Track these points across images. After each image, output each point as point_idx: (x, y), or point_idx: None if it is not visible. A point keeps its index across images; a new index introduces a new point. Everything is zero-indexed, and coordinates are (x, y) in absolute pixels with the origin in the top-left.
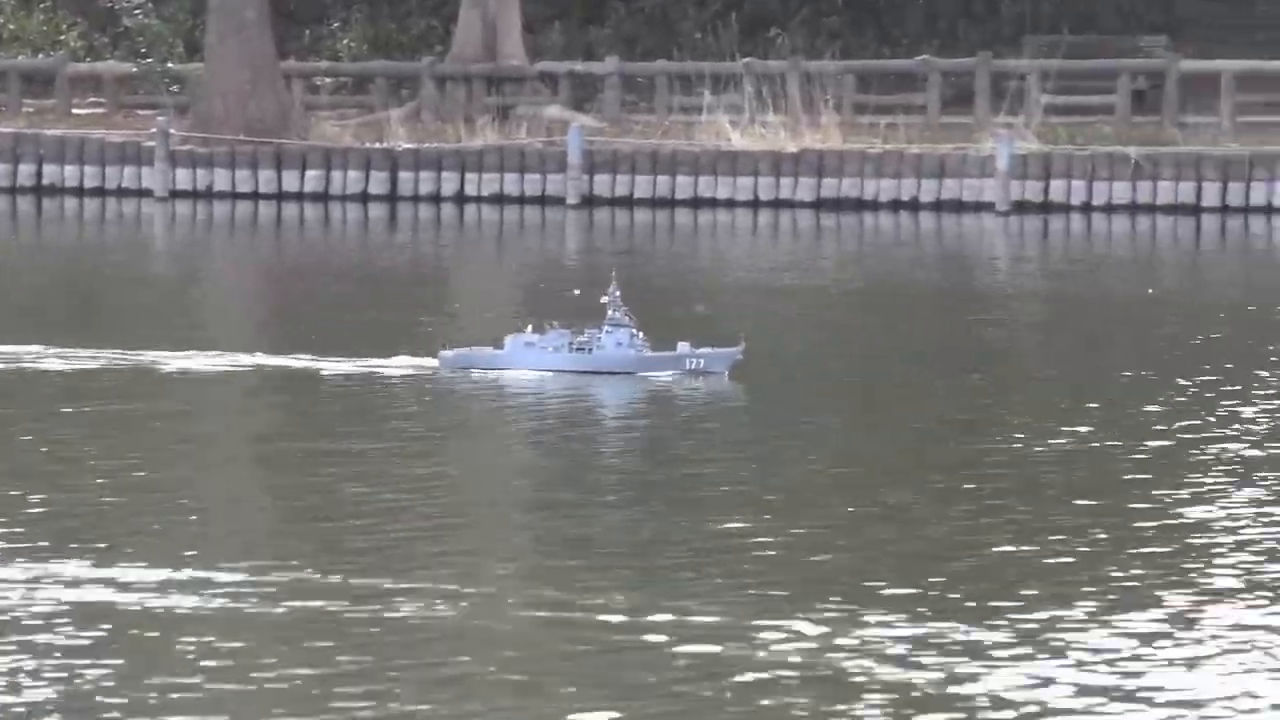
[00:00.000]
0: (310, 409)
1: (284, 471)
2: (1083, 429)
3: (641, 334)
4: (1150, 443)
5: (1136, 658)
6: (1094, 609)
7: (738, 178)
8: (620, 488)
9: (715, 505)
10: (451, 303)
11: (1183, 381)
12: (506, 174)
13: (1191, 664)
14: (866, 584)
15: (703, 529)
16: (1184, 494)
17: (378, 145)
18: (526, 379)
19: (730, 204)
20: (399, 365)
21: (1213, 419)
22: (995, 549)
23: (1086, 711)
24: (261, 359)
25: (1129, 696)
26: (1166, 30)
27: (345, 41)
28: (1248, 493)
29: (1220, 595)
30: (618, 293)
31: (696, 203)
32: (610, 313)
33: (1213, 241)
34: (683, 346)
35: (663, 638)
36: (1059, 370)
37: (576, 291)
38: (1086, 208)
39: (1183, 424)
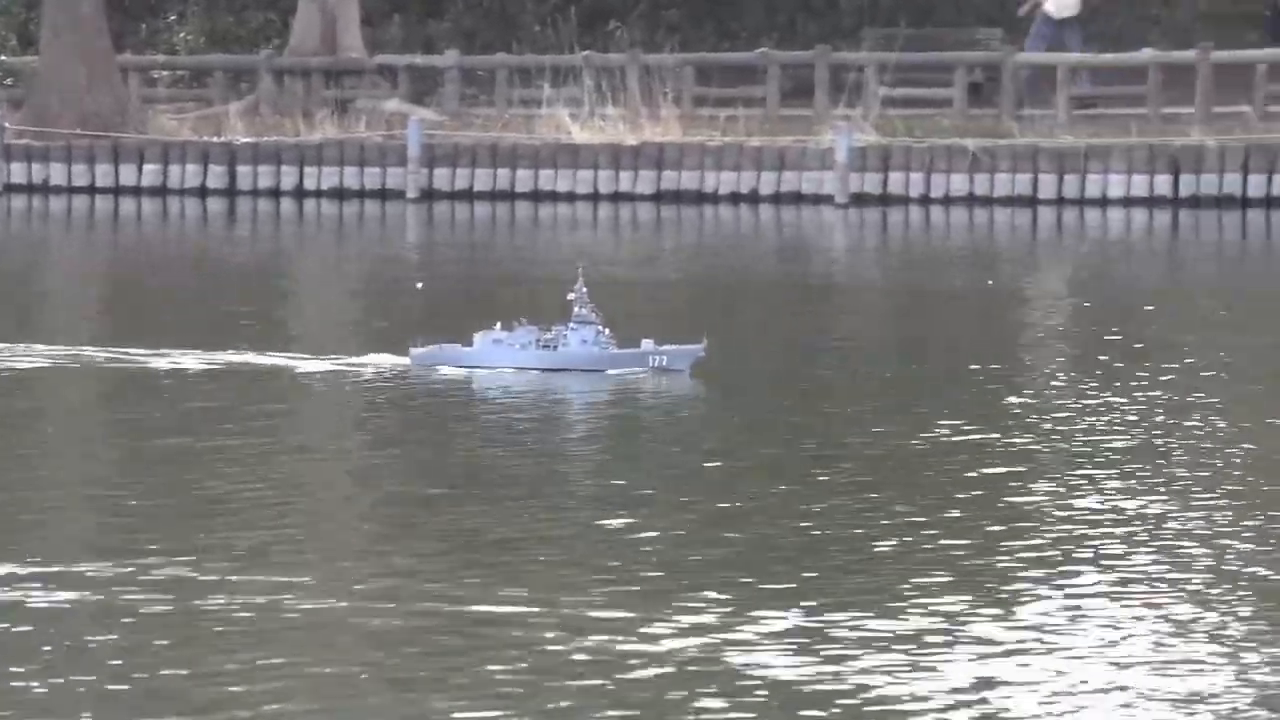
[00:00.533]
0: (181, 405)
1: (170, 467)
2: (951, 421)
3: (607, 330)
4: (1019, 434)
5: (1022, 648)
6: (977, 599)
7: (578, 171)
8: (512, 484)
9: (605, 500)
10: (294, 298)
11: (1037, 372)
12: (346, 168)
13: (1074, 653)
14: (748, 577)
15: (590, 524)
16: (1058, 485)
17: (216, 139)
18: (466, 376)
19: (570, 197)
20: (372, 363)
21: (1076, 408)
22: (879, 541)
23: (974, 701)
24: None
25: (1012, 685)
26: (1002, 23)
27: (182, 35)
28: (1121, 482)
29: (1101, 585)
30: (584, 289)
31: (537, 196)
32: (576, 309)
33: (1049, 233)
34: (646, 344)
35: (528, 633)
36: (913, 363)
37: (419, 285)
38: (925, 200)
39: (1048, 414)
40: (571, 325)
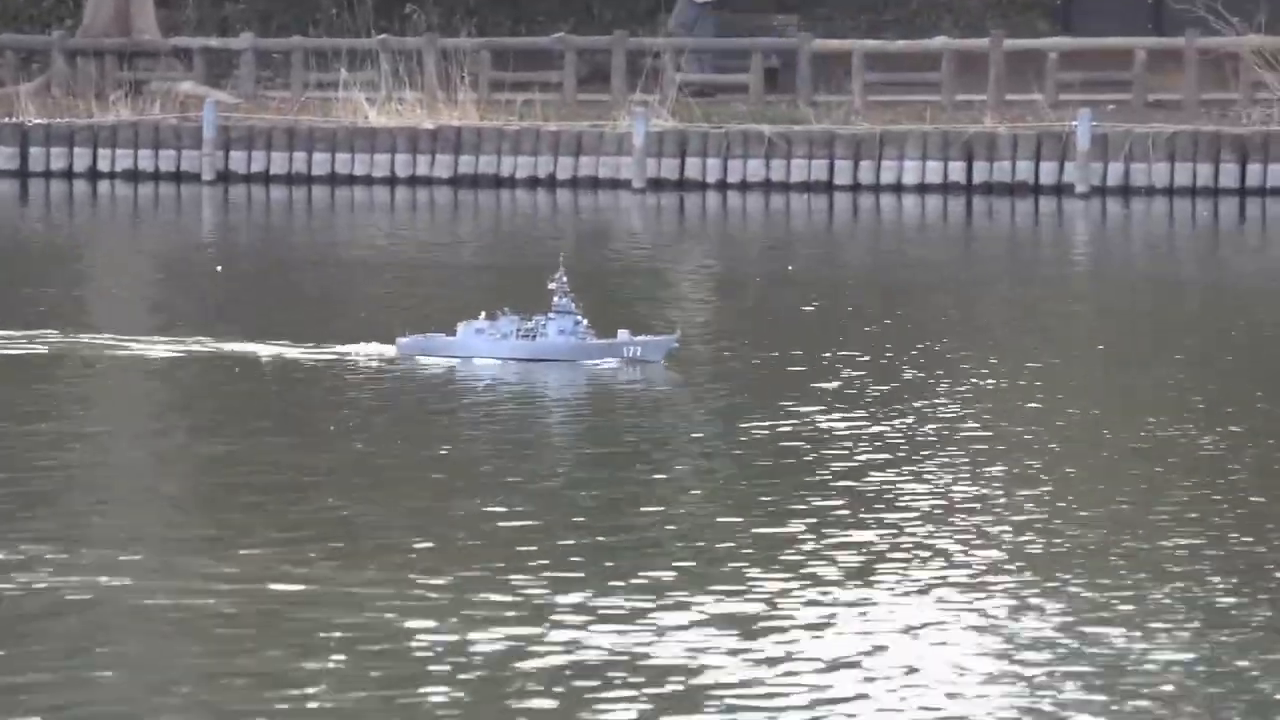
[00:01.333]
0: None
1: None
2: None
3: (585, 321)
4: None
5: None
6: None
7: (375, 155)
8: (388, 471)
9: (480, 488)
10: (87, 281)
11: (857, 357)
12: (140, 150)
13: (868, 636)
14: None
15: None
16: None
17: (7, 120)
18: (425, 366)
19: (368, 181)
20: (359, 351)
21: (889, 390)
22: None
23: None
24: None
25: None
26: (798, 9)
27: None
28: (948, 462)
29: (907, 569)
30: (564, 279)
31: (334, 179)
32: (555, 299)
33: (845, 219)
34: (622, 334)
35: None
36: (726, 350)
37: (219, 268)
38: (722, 185)
39: (868, 398)
40: (550, 315)
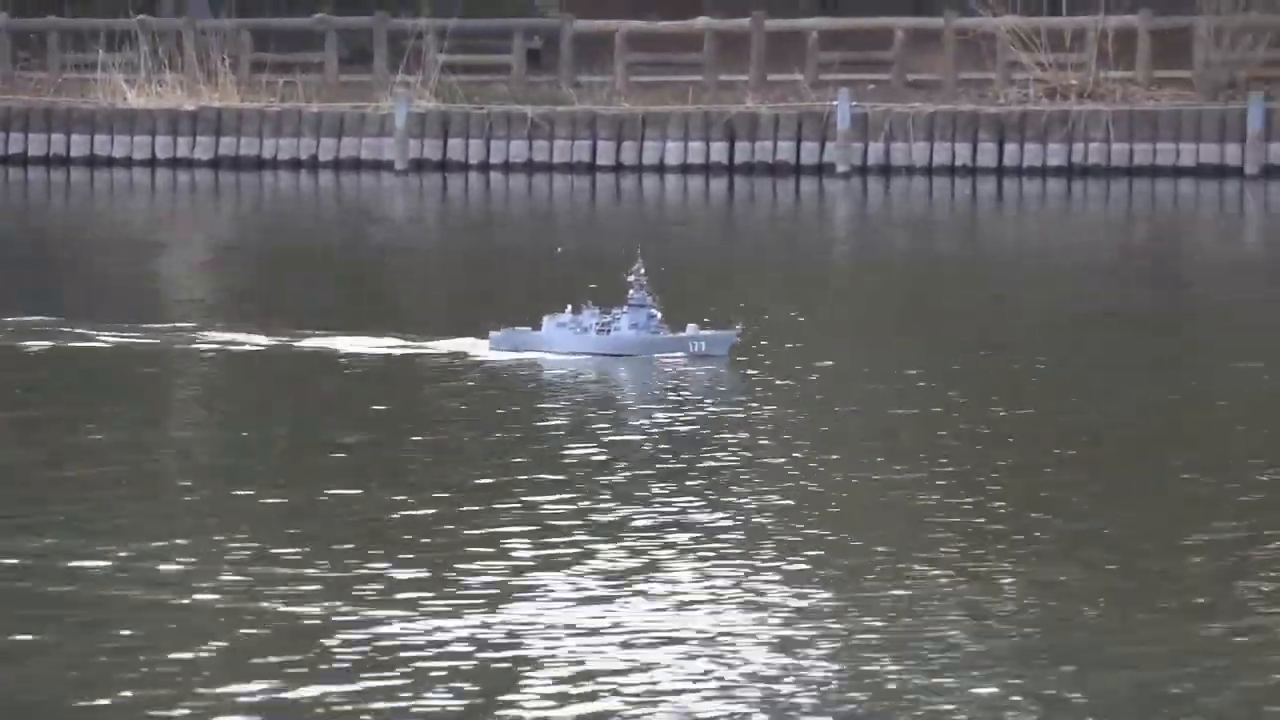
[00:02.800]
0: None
1: None
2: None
3: (659, 314)
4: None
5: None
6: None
7: (135, 136)
8: (337, 463)
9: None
10: None
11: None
12: None
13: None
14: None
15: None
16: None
17: None
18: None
19: (128, 162)
20: (447, 346)
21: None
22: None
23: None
24: None
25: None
26: None
27: None
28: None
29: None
30: (642, 271)
31: (93, 161)
32: (631, 292)
33: (608, 199)
34: (690, 328)
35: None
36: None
37: None
38: (485, 166)
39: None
40: (624, 309)
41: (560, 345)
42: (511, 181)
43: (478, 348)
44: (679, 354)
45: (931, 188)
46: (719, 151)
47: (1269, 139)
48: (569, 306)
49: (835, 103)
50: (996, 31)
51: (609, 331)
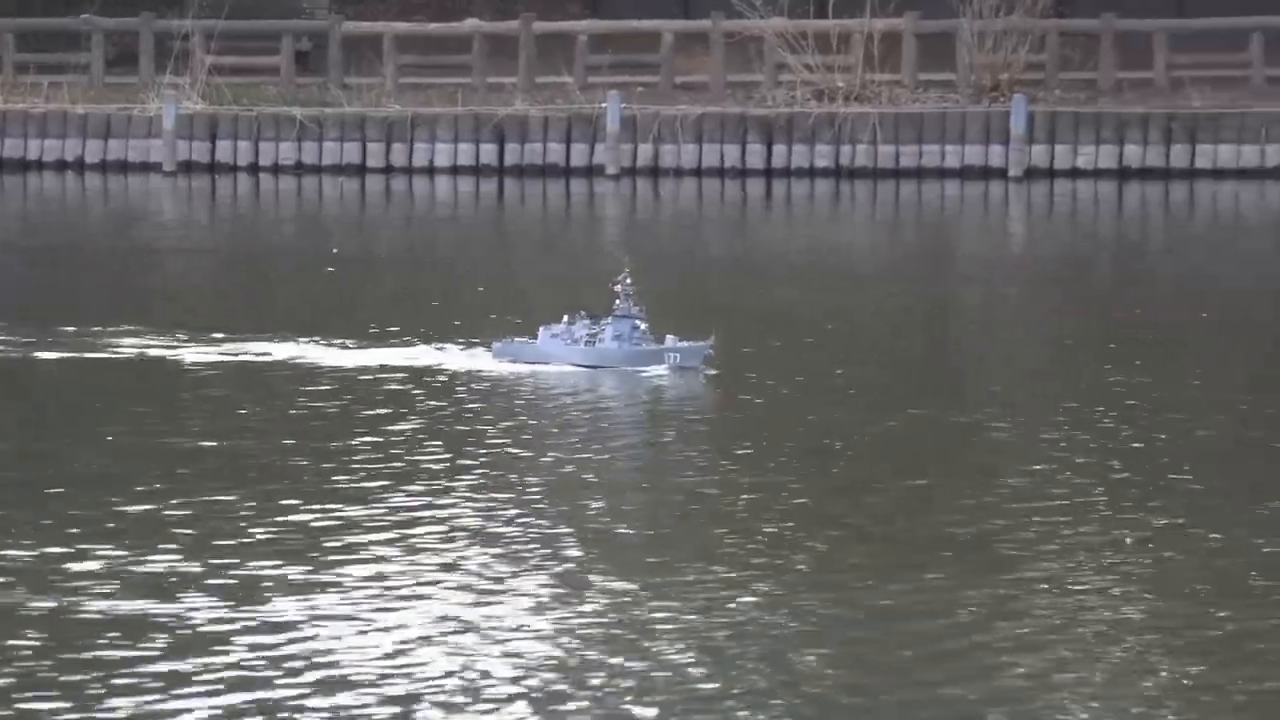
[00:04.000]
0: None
1: None
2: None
3: (645, 325)
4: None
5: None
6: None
7: None
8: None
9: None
10: None
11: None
12: None
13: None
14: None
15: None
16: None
17: None
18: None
19: None
20: (452, 359)
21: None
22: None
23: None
24: None
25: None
26: None
27: None
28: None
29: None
30: (629, 280)
31: None
32: (617, 303)
33: (378, 201)
34: (669, 339)
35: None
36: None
37: None
38: (254, 168)
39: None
40: (609, 320)
41: (553, 356)
42: (281, 183)
43: (481, 359)
44: (660, 366)
45: (701, 189)
46: (489, 153)
47: (1032, 141)
48: (565, 316)
49: (604, 105)
50: (764, 34)
51: (594, 343)
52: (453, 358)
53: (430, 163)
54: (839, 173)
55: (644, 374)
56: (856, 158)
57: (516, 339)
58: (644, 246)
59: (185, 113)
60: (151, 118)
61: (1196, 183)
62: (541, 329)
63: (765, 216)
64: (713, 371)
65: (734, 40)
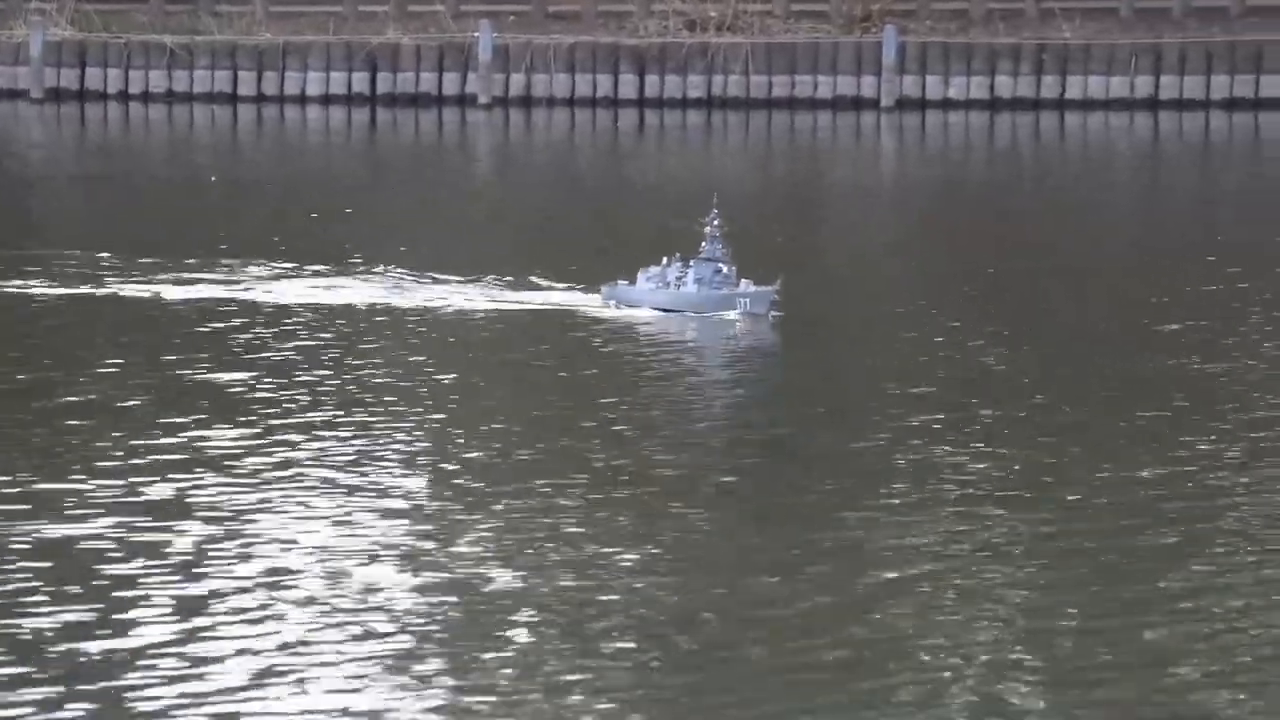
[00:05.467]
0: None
1: None
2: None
3: (726, 268)
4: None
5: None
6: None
7: None
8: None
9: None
10: None
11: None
12: None
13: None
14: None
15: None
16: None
17: None
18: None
19: None
20: (563, 300)
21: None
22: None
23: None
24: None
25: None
26: None
27: None
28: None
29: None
30: (716, 220)
31: None
32: (704, 244)
33: (249, 129)
34: (744, 284)
35: None
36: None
37: None
38: (124, 96)
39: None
40: (693, 262)
41: (645, 300)
42: (151, 111)
43: (591, 300)
44: (733, 311)
45: (573, 119)
46: (360, 82)
47: (903, 71)
48: (664, 259)
49: (476, 34)
50: None
51: (678, 287)
52: (552, 296)
53: (302, 91)
54: (711, 103)
55: (717, 319)
56: (729, 88)
57: (621, 282)
58: (511, 174)
59: (53, 39)
60: (19, 44)
61: (1067, 113)
62: (640, 272)
63: (637, 146)
64: (779, 314)
65: None
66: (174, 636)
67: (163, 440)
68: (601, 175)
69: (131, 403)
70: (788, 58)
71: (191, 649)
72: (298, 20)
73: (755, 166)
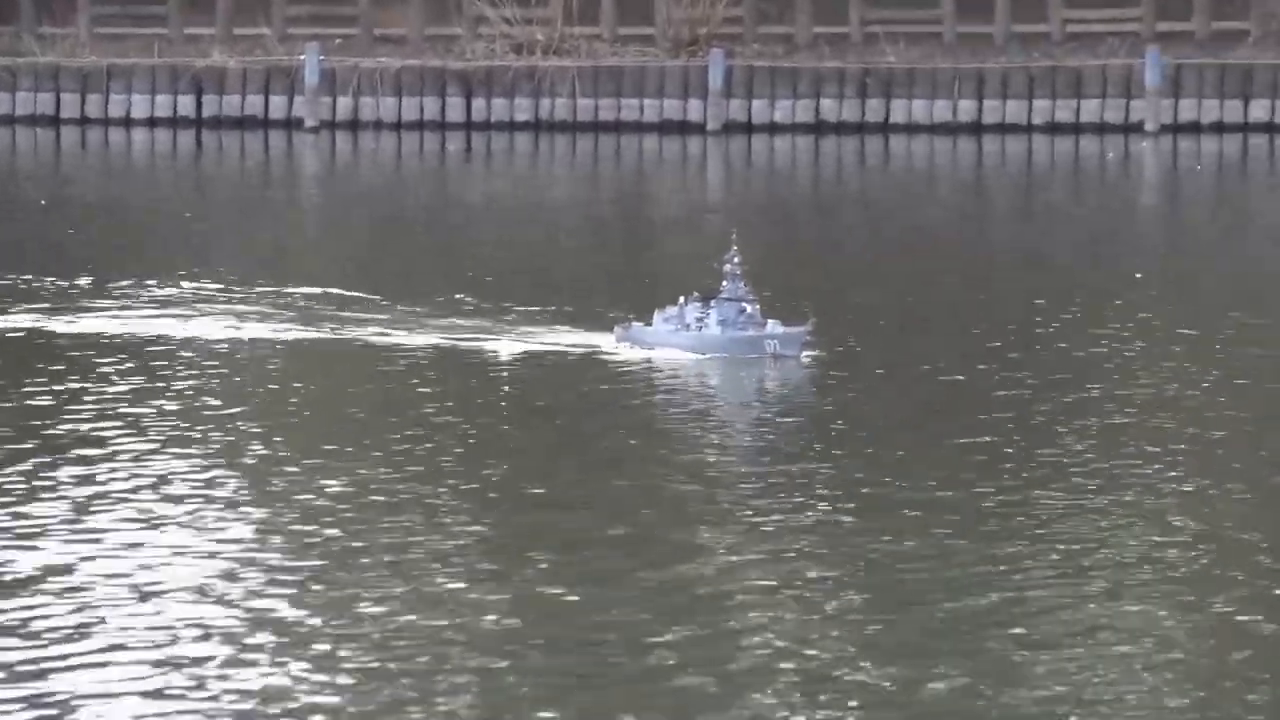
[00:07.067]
0: None
1: None
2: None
3: (750, 307)
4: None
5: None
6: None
7: None
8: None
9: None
10: None
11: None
12: None
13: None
14: None
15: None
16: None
17: None
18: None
19: None
20: (573, 343)
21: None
22: None
23: None
24: None
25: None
26: None
27: None
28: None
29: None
30: (737, 258)
31: None
32: (724, 284)
33: (74, 151)
34: (771, 325)
35: None
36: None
37: None
38: None
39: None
40: (714, 303)
41: (665, 341)
42: None
43: (605, 341)
44: (758, 354)
45: (400, 143)
46: (186, 105)
47: (729, 95)
48: (681, 299)
49: (303, 57)
50: None
51: (700, 329)
52: (504, 345)
53: (127, 114)
54: (539, 126)
55: (746, 360)
56: (556, 111)
57: (635, 323)
58: (338, 198)
59: None
60: None
61: (891, 137)
62: (656, 313)
63: (464, 169)
64: (813, 354)
65: None
66: None
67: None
68: (430, 197)
69: None
70: (614, 81)
71: None
72: (122, 42)
73: (583, 189)
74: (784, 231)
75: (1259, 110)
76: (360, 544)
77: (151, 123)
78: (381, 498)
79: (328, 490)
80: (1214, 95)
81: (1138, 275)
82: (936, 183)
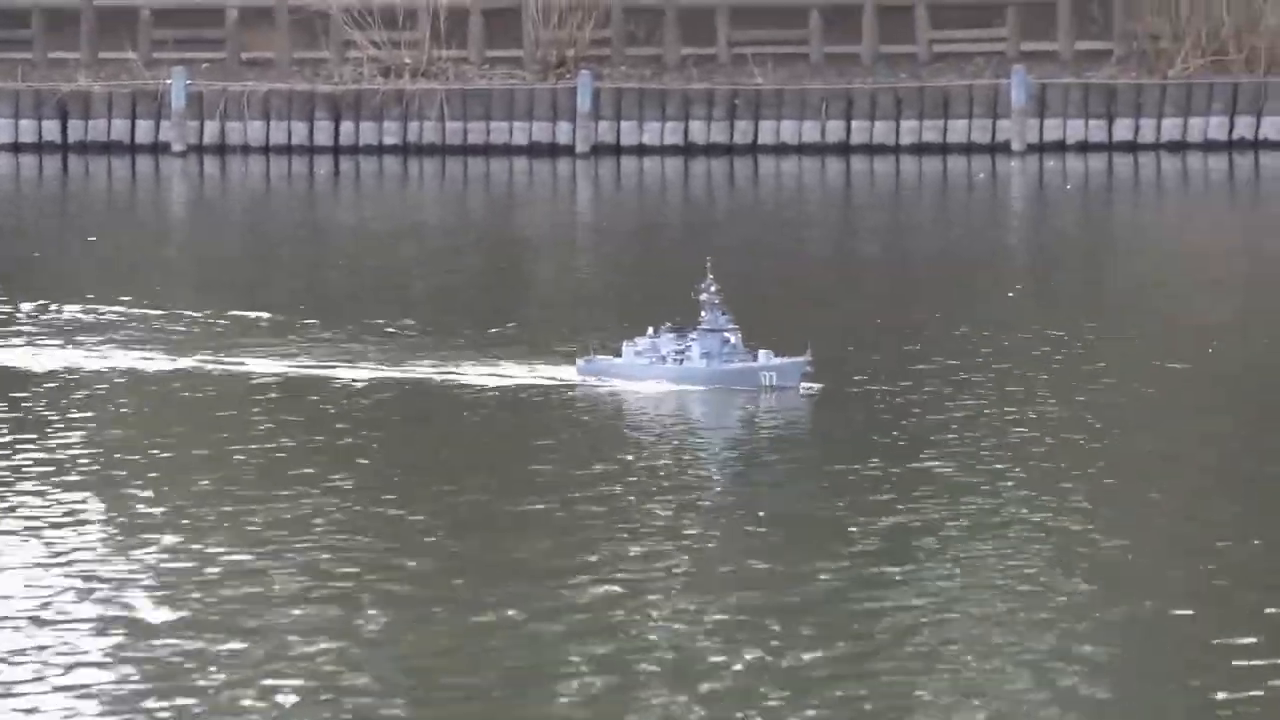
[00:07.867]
0: None
1: None
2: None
3: (734, 338)
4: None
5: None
6: None
7: None
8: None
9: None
10: None
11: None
12: None
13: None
14: None
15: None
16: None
17: None
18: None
19: None
20: (537, 375)
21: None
22: None
23: None
24: None
25: None
26: None
27: None
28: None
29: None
30: (713, 287)
31: None
32: (703, 314)
33: None
34: (763, 355)
35: None
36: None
37: None
38: None
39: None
40: (694, 334)
41: (638, 374)
42: None
43: (566, 373)
44: (751, 386)
45: (269, 167)
46: (51, 130)
47: (598, 117)
48: (650, 329)
49: (169, 81)
50: (330, 10)
51: (681, 360)
52: (476, 371)
53: None
54: (407, 149)
55: (741, 393)
56: (424, 134)
57: (599, 356)
58: (206, 223)
59: None
60: None
61: (760, 158)
62: (625, 344)
63: (333, 193)
64: (814, 386)
65: (300, 16)
66: None
67: None
68: (298, 223)
69: None
70: (483, 104)
71: None
72: None
73: (452, 212)
74: (656, 252)
75: (1122, 130)
76: (283, 575)
77: (16, 148)
78: (289, 531)
79: (244, 524)
80: (1078, 115)
81: (1010, 294)
82: (806, 204)
